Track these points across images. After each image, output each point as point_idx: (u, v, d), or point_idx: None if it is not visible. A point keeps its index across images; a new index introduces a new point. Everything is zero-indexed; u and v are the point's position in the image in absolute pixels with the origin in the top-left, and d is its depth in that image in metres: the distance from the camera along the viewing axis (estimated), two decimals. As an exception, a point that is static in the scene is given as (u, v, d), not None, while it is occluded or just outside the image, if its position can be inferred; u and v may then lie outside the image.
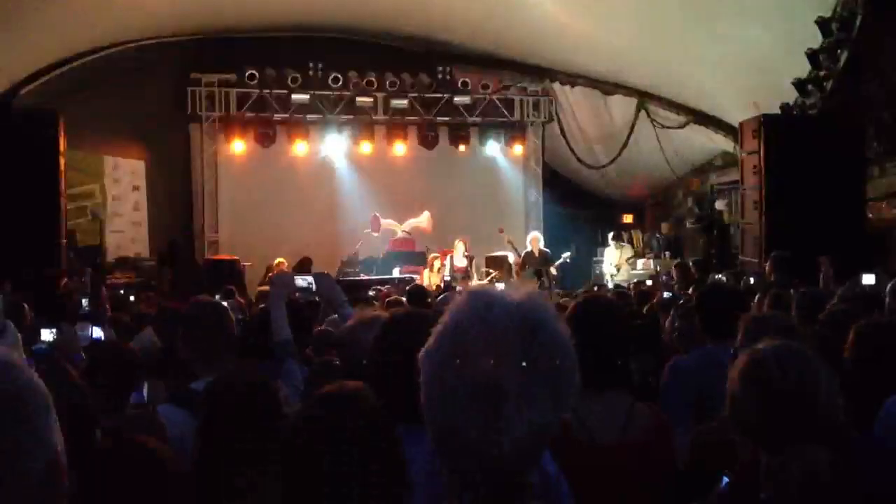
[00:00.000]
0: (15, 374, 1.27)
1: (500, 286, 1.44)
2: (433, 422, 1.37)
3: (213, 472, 2.17)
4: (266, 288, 10.41)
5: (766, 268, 8.60)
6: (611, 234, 15.55)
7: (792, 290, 5.58)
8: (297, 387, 3.48)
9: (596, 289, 11.05)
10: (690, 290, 7.23)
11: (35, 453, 1.24)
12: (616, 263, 14.92)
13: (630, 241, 16.25)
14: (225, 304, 4.07)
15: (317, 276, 4.06)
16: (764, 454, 2.09)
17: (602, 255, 16.69)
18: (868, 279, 6.24)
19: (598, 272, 16.16)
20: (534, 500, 1.38)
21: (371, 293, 10.43)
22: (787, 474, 1.95)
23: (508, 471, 1.34)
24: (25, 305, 6.12)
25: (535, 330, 1.34)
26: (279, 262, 13.65)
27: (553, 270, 13.72)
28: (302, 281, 4.14)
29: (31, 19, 10.95)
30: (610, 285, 13.44)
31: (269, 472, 2.12)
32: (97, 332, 6.11)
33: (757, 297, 5.50)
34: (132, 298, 10.56)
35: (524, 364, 1.31)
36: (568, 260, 14.05)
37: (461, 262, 14.04)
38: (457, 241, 14.28)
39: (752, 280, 8.50)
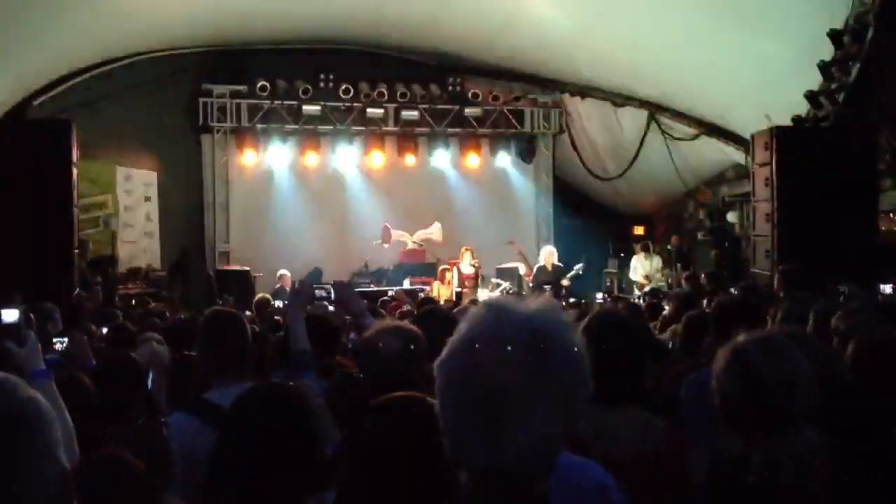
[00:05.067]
0: (15, 393, 1.30)
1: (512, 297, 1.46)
2: (446, 429, 1.39)
3: (236, 484, 2.16)
4: (265, 295, 10.44)
5: (776, 281, 8.56)
6: (639, 245, 15.49)
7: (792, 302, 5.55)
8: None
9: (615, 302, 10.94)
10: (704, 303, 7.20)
11: (44, 470, 1.26)
12: (646, 273, 14.81)
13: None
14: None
15: (335, 285, 4.00)
16: (752, 441, 2.09)
17: (613, 267, 16.65)
18: (886, 289, 6.21)
19: (607, 282, 16.09)
20: None
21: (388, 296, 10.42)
22: (778, 460, 1.96)
23: (518, 480, 1.35)
24: (32, 315, 6.13)
25: (545, 342, 1.35)
26: (282, 276, 13.71)
27: (566, 282, 13.64)
28: (320, 290, 4.10)
29: (45, 31, 11.01)
30: (636, 295, 13.39)
31: (293, 486, 2.11)
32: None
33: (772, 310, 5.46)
34: (140, 310, 10.58)
35: (531, 376, 1.33)
36: (580, 272, 13.95)
37: (468, 269, 14.05)
38: (462, 250, 14.30)
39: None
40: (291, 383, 2.56)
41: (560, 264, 14.07)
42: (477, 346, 1.36)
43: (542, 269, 14.01)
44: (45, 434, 1.29)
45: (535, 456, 1.35)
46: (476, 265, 14.18)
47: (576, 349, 1.39)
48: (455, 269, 14.10)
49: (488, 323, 1.38)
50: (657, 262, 15.16)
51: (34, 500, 1.24)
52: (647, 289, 14.11)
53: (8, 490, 1.23)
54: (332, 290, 3.99)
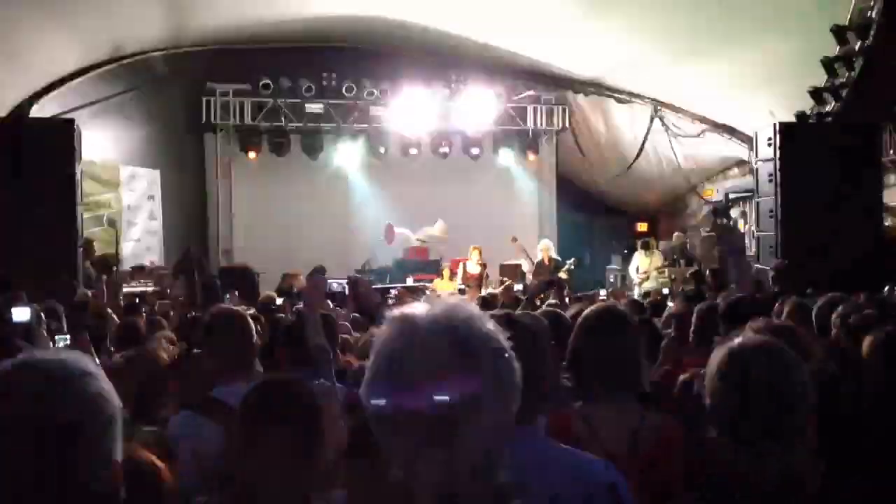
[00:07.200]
0: (90, 384, 1.26)
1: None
2: (396, 456, 1.32)
3: (248, 479, 2.17)
4: (270, 293, 10.45)
5: (770, 278, 8.58)
6: (640, 242, 15.48)
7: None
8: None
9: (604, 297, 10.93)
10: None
11: (97, 472, 1.24)
12: (645, 270, 14.80)
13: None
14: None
15: (351, 280, 3.97)
16: (741, 451, 2.07)
17: (616, 263, 16.63)
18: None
19: (610, 279, 16.10)
20: (513, 500, 1.37)
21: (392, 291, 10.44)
22: (764, 471, 1.95)
23: (482, 475, 1.32)
24: (42, 314, 6.15)
25: (469, 337, 1.32)
26: (294, 274, 13.68)
27: (563, 275, 13.58)
28: (336, 285, 4.09)
29: (48, 30, 11.02)
30: (636, 292, 13.41)
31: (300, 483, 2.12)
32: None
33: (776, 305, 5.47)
34: (145, 308, 10.58)
35: (470, 379, 1.29)
36: (572, 267, 13.88)
37: (475, 269, 14.05)
38: (471, 248, 14.30)
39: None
40: (296, 379, 2.56)
41: (558, 258, 14.03)
42: (406, 362, 1.30)
43: (541, 263, 13.98)
44: (107, 435, 1.26)
45: (497, 448, 1.32)
46: (482, 264, 14.18)
47: (496, 335, 1.36)
48: (462, 265, 14.10)
49: (408, 336, 1.31)
50: (657, 259, 15.16)
51: (81, 499, 1.22)
52: (645, 286, 14.14)
53: (64, 495, 1.21)
54: (349, 285, 3.95)
